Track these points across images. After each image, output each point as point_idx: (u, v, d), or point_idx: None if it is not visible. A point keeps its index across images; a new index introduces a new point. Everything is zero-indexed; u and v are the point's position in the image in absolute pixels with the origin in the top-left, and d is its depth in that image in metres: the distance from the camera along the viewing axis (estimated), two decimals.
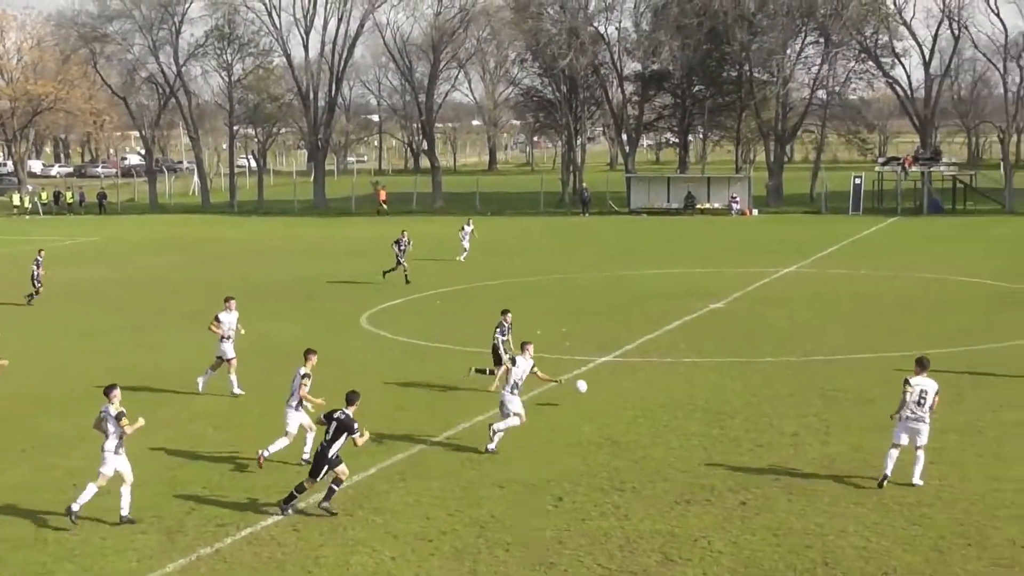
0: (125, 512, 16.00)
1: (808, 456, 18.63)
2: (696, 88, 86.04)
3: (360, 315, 34.01)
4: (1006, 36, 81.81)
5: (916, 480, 16.91)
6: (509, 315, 24.03)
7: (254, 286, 40.22)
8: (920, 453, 16.89)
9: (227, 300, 24.29)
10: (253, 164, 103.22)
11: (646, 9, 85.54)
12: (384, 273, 41.25)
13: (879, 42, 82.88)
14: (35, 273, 37.78)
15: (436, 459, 18.98)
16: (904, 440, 16.90)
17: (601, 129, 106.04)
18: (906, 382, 16.95)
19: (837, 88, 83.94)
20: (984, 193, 73.82)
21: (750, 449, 19.15)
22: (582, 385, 21.55)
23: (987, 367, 24.96)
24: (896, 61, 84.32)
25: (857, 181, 72.64)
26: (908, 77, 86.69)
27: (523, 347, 20.00)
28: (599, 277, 42.62)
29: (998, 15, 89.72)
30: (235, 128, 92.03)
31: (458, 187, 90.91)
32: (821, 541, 14.88)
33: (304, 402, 18.46)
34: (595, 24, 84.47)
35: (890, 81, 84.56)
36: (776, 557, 14.37)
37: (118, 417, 16.04)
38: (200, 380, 23.90)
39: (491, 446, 19.10)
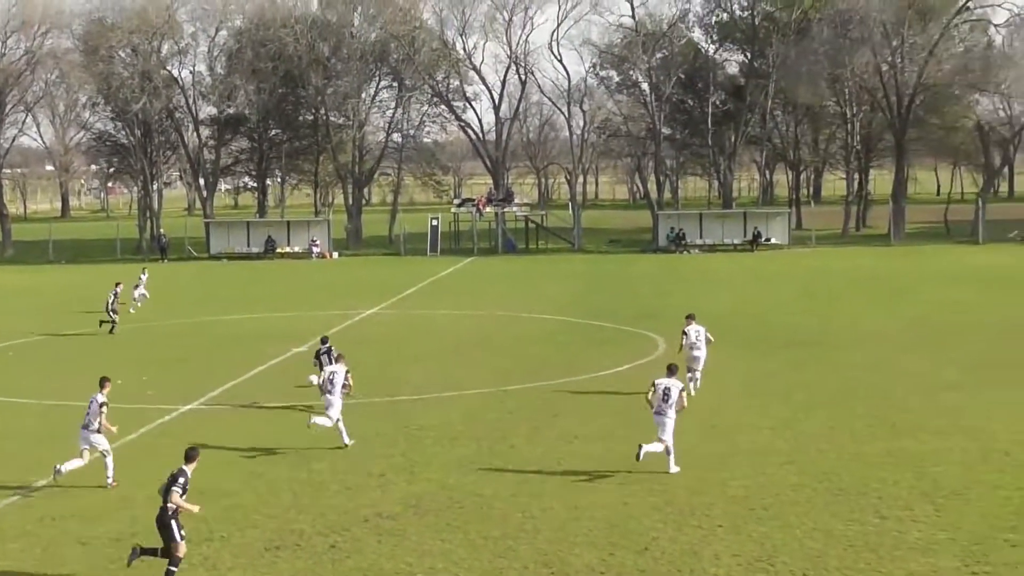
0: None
1: (395, 496, 18.79)
2: (273, 132, 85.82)
3: None
4: (569, 81, 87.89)
5: (672, 469, 19.64)
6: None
7: None
8: (666, 447, 19.65)
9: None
10: None
11: (220, 53, 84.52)
12: None
13: (451, 86, 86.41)
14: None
15: (12, 519, 17.61)
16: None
17: (178, 174, 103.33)
18: (652, 384, 20.15)
19: (412, 131, 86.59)
20: (554, 232, 78.51)
21: (338, 491, 19.09)
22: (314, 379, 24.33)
23: (564, 400, 26.41)
24: (467, 105, 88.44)
25: (434, 222, 75.03)
26: (480, 120, 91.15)
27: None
28: (181, 324, 41.33)
29: (561, 61, 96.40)
30: None
31: (29, 235, 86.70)
32: None
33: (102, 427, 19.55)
34: (168, 67, 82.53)
35: (462, 124, 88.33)
36: None
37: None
38: None
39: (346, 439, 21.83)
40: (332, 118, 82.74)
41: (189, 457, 15.45)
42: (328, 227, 75.20)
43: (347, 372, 22.09)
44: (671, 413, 19.72)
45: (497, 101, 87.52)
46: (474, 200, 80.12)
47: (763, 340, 34.49)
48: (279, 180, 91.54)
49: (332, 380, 21.93)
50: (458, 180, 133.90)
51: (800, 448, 21.32)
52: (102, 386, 19.89)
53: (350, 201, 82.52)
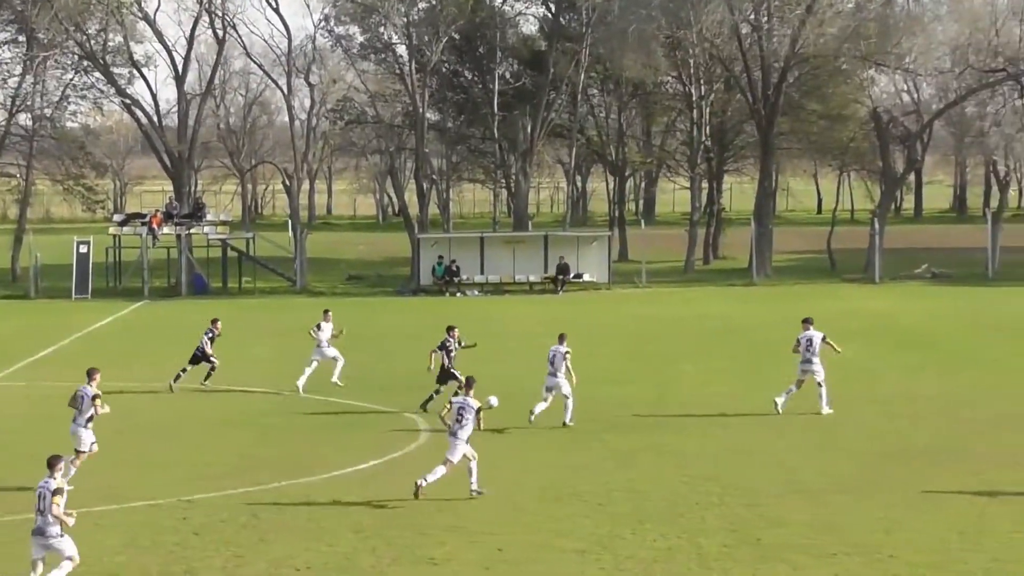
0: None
1: None
2: None
3: None
4: (289, 42, 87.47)
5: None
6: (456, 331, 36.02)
7: None
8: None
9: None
10: None
11: None
12: None
13: (109, 44, 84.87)
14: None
15: None
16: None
17: None
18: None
19: (48, 111, 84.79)
20: (266, 265, 77.93)
21: None
22: (494, 400, 28.78)
23: (276, 514, 26.24)
24: (136, 73, 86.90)
25: (83, 249, 73.56)
26: (154, 97, 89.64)
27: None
28: None
29: (277, 11, 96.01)
30: None
31: None
32: None
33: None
34: None
35: (128, 102, 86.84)
36: None
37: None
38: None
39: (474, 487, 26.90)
40: None
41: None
42: None
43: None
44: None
45: (181, 68, 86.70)
46: (145, 216, 78.97)
47: (579, 422, 35.06)
48: None
49: None
50: (120, 186, 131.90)
51: None
52: (91, 377, 28.86)
53: None
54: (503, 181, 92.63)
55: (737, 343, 50.66)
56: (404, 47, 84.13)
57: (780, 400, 35.56)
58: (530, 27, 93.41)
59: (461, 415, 26.66)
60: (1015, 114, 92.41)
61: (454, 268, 74.14)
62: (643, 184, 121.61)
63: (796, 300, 68.43)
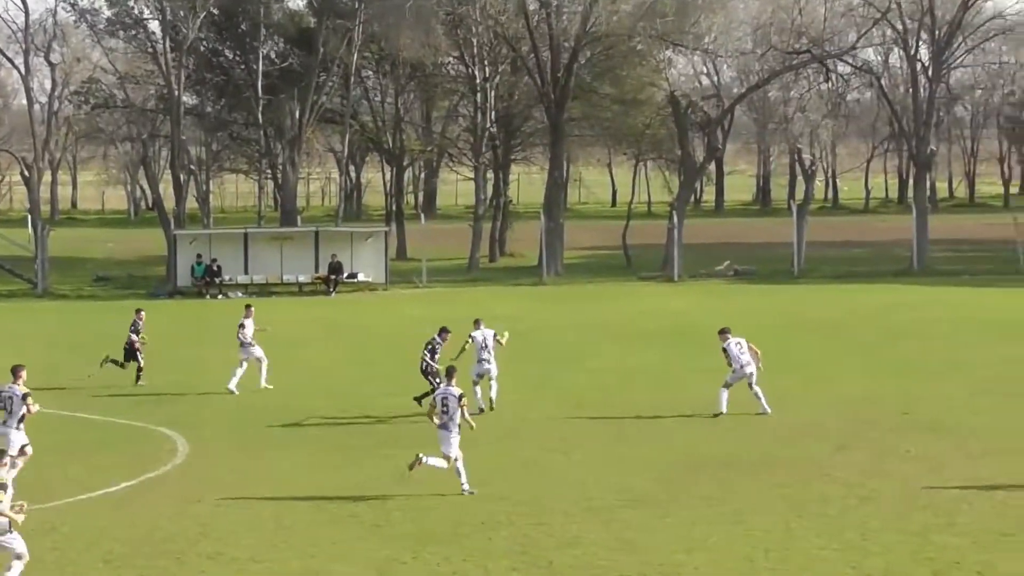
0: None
1: None
2: None
3: None
4: (26, 16, 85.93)
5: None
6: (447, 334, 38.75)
7: None
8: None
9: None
10: None
11: None
12: None
13: None
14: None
15: None
16: None
17: None
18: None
19: None
20: (2, 265, 76.55)
21: None
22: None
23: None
24: None
25: None
26: None
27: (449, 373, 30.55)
28: None
29: None
30: None
31: None
32: None
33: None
34: None
35: None
36: None
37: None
38: None
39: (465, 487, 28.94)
40: None
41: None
42: None
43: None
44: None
45: None
46: None
47: (355, 437, 35.10)
48: None
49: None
50: None
51: None
52: (17, 375, 29.65)
53: None
54: (269, 172, 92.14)
55: (526, 347, 50.98)
56: (157, 23, 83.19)
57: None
58: (297, 2, 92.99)
59: (446, 405, 29.10)
60: (821, 99, 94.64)
61: (215, 268, 73.44)
62: (423, 175, 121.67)
63: (589, 300, 69.25)
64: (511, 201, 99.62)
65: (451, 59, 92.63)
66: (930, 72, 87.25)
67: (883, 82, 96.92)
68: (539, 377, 44.62)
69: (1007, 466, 30.71)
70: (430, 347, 39.14)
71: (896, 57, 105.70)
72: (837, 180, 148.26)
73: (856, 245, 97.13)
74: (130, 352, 43.99)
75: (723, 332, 38.68)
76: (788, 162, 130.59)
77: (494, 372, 38.82)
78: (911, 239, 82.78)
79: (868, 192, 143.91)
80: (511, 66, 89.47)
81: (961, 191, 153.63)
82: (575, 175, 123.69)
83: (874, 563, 23.75)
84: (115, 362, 43.92)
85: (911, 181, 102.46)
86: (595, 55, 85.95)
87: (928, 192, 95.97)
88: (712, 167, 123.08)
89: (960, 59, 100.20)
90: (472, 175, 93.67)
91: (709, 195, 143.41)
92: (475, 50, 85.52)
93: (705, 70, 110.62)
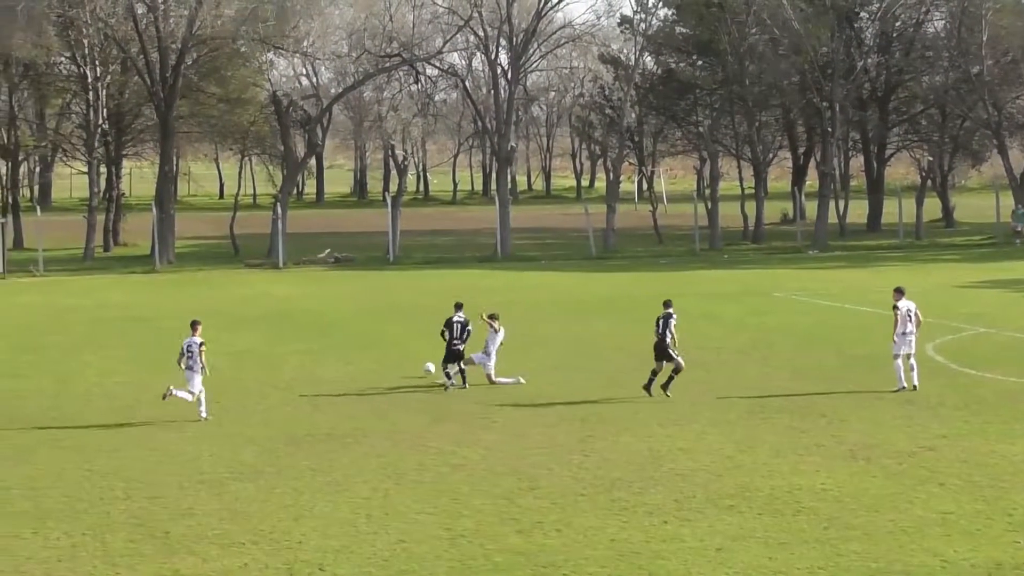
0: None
1: None
2: None
3: None
4: None
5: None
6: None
7: None
8: (912, 362, 35.66)
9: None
10: None
11: None
12: None
13: None
14: None
15: None
16: (903, 351, 35.53)
17: None
18: (894, 307, 35.61)
19: None
20: None
21: None
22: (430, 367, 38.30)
23: None
24: None
25: None
26: None
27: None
28: None
29: None
30: None
31: None
32: None
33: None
34: None
35: None
36: None
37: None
38: None
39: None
40: None
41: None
42: None
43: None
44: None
45: None
46: None
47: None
48: None
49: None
50: None
51: None
52: (195, 329, 33.80)
53: None
54: None
55: (139, 332, 50.17)
56: None
57: None
58: None
59: (191, 352, 33.57)
60: (411, 99, 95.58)
61: None
62: (38, 168, 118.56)
63: (199, 286, 68.59)
64: (124, 194, 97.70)
65: (63, 59, 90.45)
66: (509, 75, 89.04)
67: (467, 84, 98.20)
68: (153, 359, 43.91)
69: (580, 432, 31.55)
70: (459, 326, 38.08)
71: (479, 61, 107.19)
72: (428, 174, 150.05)
73: (445, 234, 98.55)
74: None
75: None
76: (383, 157, 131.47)
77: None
78: (495, 228, 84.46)
79: (456, 185, 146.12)
80: (121, 66, 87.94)
81: (539, 184, 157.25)
82: (184, 169, 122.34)
83: (465, 524, 24.12)
84: None
85: (494, 175, 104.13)
86: (201, 56, 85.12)
87: (509, 185, 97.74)
88: (313, 162, 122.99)
89: (536, 63, 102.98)
90: (86, 169, 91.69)
91: (311, 188, 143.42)
92: (86, 51, 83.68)
93: (305, 71, 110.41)
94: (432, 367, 38.39)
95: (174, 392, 33.48)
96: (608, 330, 49.66)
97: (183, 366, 33.70)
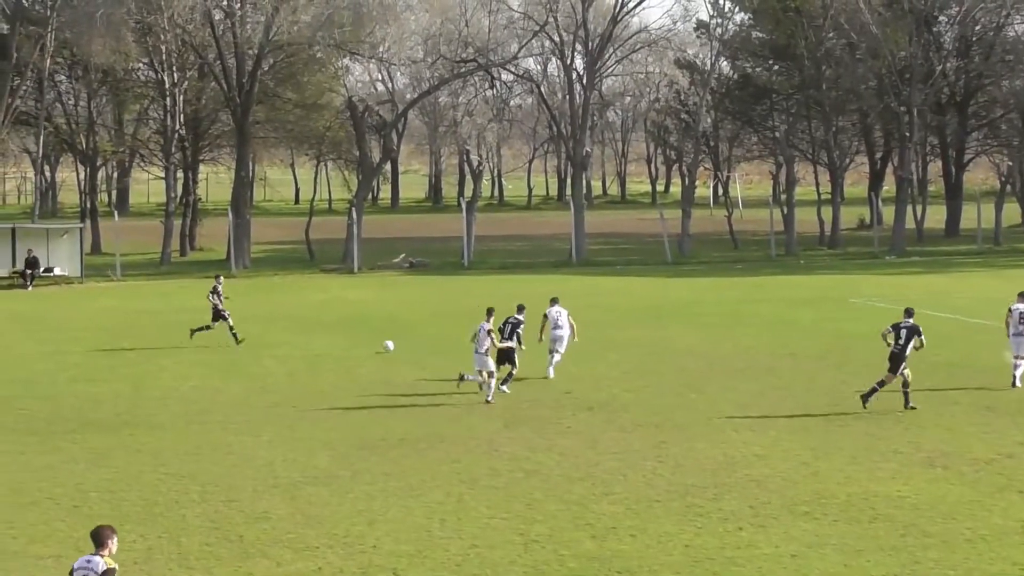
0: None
1: None
2: None
3: None
4: None
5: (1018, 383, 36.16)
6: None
7: None
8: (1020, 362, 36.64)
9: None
10: None
11: None
12: None
13: None
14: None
15: None
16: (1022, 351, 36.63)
17: None
18: (1009, 310, 36.83)
19: None
20: None
21: None
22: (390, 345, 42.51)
23: None
24: None
25: None
26: None
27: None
28: None
29: None
30: None
31: None
32: None
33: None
34: None
35: None
36: None
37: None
38: None
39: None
40: None
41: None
42: None
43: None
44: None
45: None
46: None
47: (48, 422, 34.30)
48: None
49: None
50: None
51: None
52: (489, 316, 36.57)
53: None
54: None
55: (214, 336, 50.50)
56: None
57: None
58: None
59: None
60: (486, 104, 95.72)
61: None
62: (116, 174, 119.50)
63: (275, 291, 68.88)
64: (200, 199, 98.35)
65: (141, 65, 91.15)
66: (584, 80, 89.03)
67: (542, 89, 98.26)
68: (228, 363, 44.15)
69: (655, 438, 31.45)
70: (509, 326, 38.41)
71: (554, 66, 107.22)
72: (502, 179, 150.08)
73: (520, 239, 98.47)
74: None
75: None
76: (457, 162, 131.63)
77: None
78: (570, 233, 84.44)
79: (530, 190, 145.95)
80: (199, 72, 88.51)
81: (614, 189, 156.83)
82: (260, 174, 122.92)
83: (539, 529, 24.12)
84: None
85: (569, 180, 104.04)
86: (277, 62, 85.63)
87: (584, 190, 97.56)
88: (388, 167, 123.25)
89: (611, 68, 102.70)
90: (163, 174, 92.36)
91: (385, 193, 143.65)
92: (164, 57, 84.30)
93: (380, 77, 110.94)
94: (391, 345, 44.54)
95: (469, 378, 36.84)
96: (683, 335, 49.54)
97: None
